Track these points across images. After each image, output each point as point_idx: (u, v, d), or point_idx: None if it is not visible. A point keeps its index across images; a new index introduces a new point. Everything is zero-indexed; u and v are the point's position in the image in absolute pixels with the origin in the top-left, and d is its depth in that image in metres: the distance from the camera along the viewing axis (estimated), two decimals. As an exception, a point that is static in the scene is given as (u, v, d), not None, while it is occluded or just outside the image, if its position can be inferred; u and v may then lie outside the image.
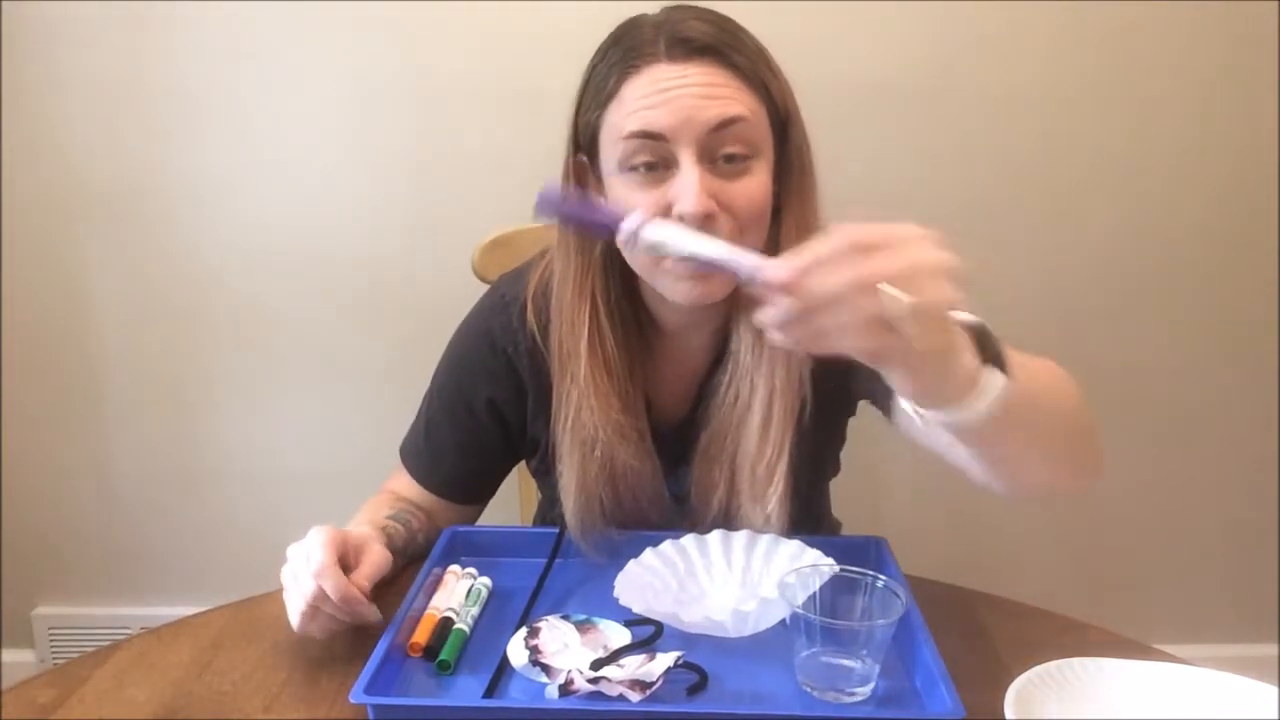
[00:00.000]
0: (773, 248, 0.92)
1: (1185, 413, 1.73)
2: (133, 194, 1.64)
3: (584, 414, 0.94)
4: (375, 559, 0.87)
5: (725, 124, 0.84)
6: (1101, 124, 1.59)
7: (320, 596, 0.80)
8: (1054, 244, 1.64)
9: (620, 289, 0.96)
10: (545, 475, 1.03)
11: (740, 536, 0.92)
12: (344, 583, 0.80)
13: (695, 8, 0.90)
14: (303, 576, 0.81)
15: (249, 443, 1.76)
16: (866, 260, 0.58)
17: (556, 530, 0.98)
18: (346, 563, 0.84)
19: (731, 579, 0.90)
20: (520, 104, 1.57)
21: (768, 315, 0.62)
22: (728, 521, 0.96)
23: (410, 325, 1.66)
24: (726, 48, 0.86)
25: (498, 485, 1.12)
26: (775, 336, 0.62)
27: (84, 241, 1.67)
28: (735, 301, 0.95)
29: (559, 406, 0.97)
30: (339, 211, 1.64)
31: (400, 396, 1.13)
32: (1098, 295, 1.67)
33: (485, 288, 1.10)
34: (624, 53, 0.87)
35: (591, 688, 0.72)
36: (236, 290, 1.68)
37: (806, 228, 0.92)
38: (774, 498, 0.93)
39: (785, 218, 0.92)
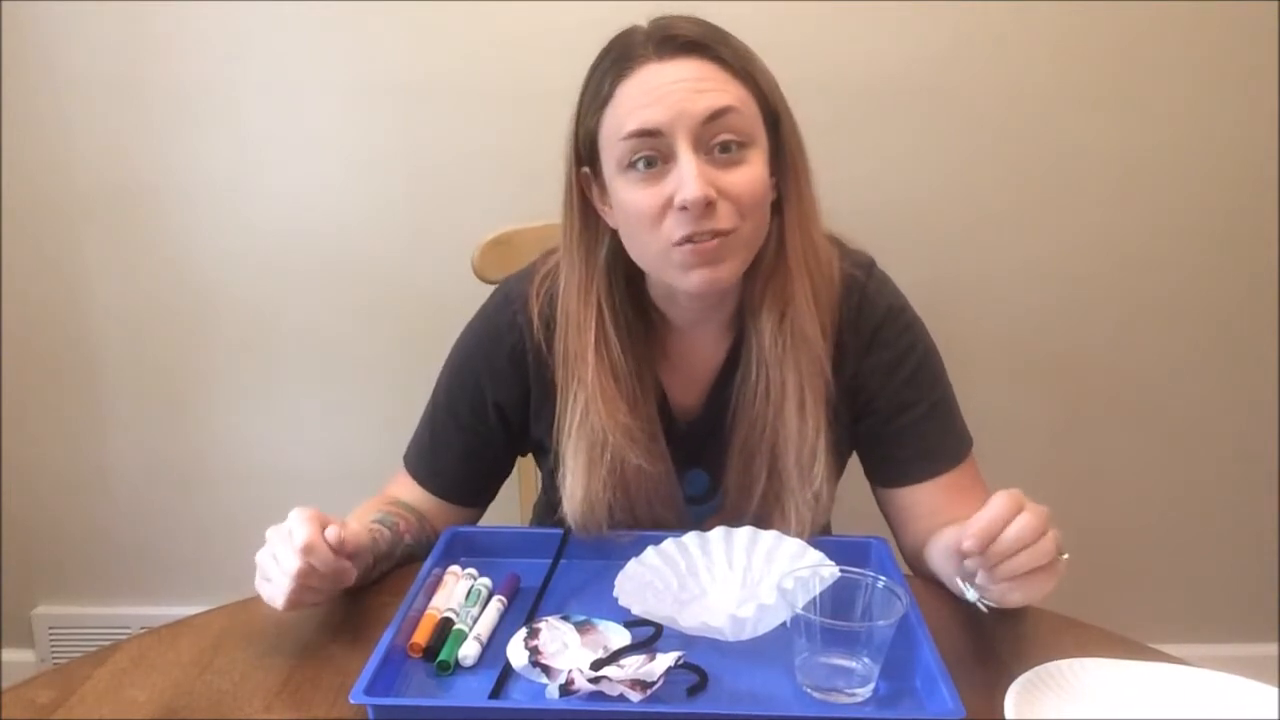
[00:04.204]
0: (778, 243, 0.94)
1: (1185, 413, 1.73)
2: (132, 194, 1.64)
3: (592, 418, 0.95)
4: (352, 533, 0.86)
5: (717, 114, 0.86)
6: (1102, 124, 1.58)
7: (307, 572, 0.80)
8: (1054, 244, 1.64)
9: (625, 293, 0.97)
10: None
11: (743, 534, 0.92)
12: (329, 554, 0.81)
13: (682, 14, 0.92)
14: (285, 555, 0.80)
15: (249, 443, 1.76)
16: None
17: (554, 530, 0.98)
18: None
19: (732, 578, 0.90)
20: (520, 104, 1.57)
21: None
22: (768, 514, 0.97)
23: (410, 324, 1.66)
24: (714, 43, 0.89)
25: (499, 487, 1.11)
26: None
27: (84, 242, 1.66)
28: (746, 294, 0.97)
29: (564, 410, 0.97)
30: (339, 211, 1.64)
31: (401, 396, 1.13)
32: (1098, 295, 1.66)
33: (485, 287, 1.10)
34: (616, 58, 0.90)
35: (592, 687, 0.72)
36: (237, 290, 1.68)
37: (807, 221, 0.94)
38: (819, 476, 0.95)
39: (787, 213, 0.94)
